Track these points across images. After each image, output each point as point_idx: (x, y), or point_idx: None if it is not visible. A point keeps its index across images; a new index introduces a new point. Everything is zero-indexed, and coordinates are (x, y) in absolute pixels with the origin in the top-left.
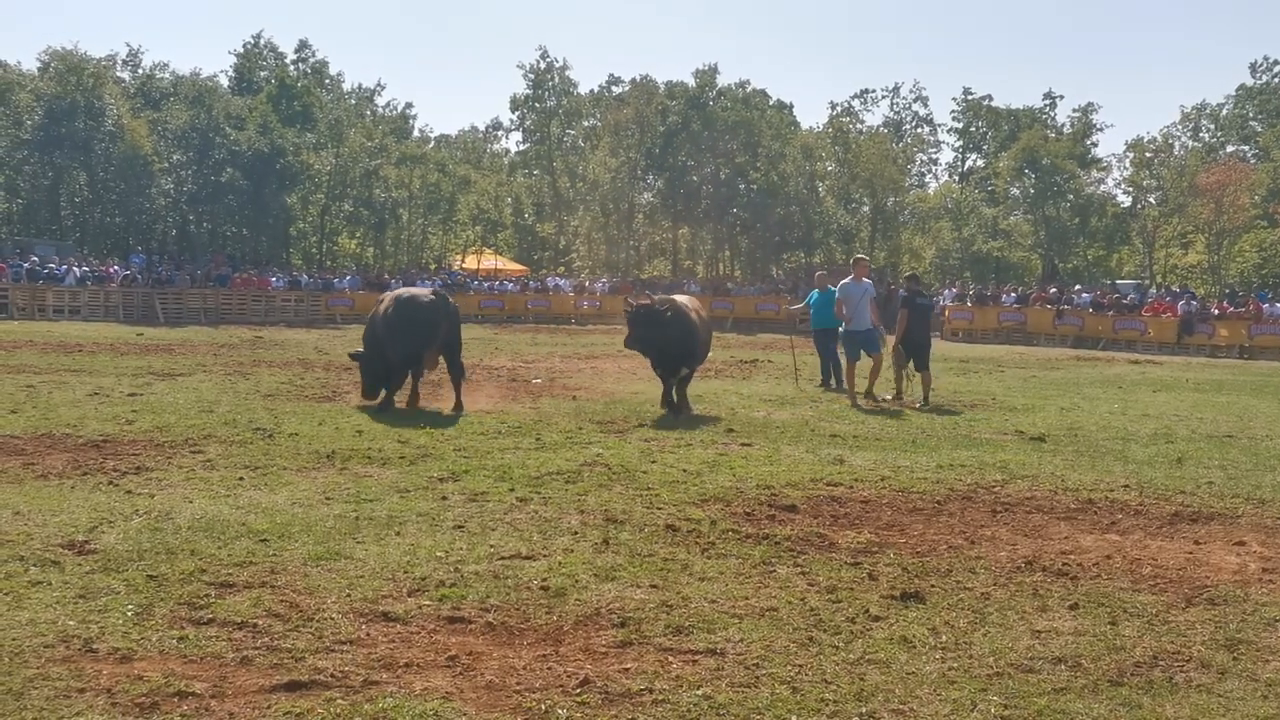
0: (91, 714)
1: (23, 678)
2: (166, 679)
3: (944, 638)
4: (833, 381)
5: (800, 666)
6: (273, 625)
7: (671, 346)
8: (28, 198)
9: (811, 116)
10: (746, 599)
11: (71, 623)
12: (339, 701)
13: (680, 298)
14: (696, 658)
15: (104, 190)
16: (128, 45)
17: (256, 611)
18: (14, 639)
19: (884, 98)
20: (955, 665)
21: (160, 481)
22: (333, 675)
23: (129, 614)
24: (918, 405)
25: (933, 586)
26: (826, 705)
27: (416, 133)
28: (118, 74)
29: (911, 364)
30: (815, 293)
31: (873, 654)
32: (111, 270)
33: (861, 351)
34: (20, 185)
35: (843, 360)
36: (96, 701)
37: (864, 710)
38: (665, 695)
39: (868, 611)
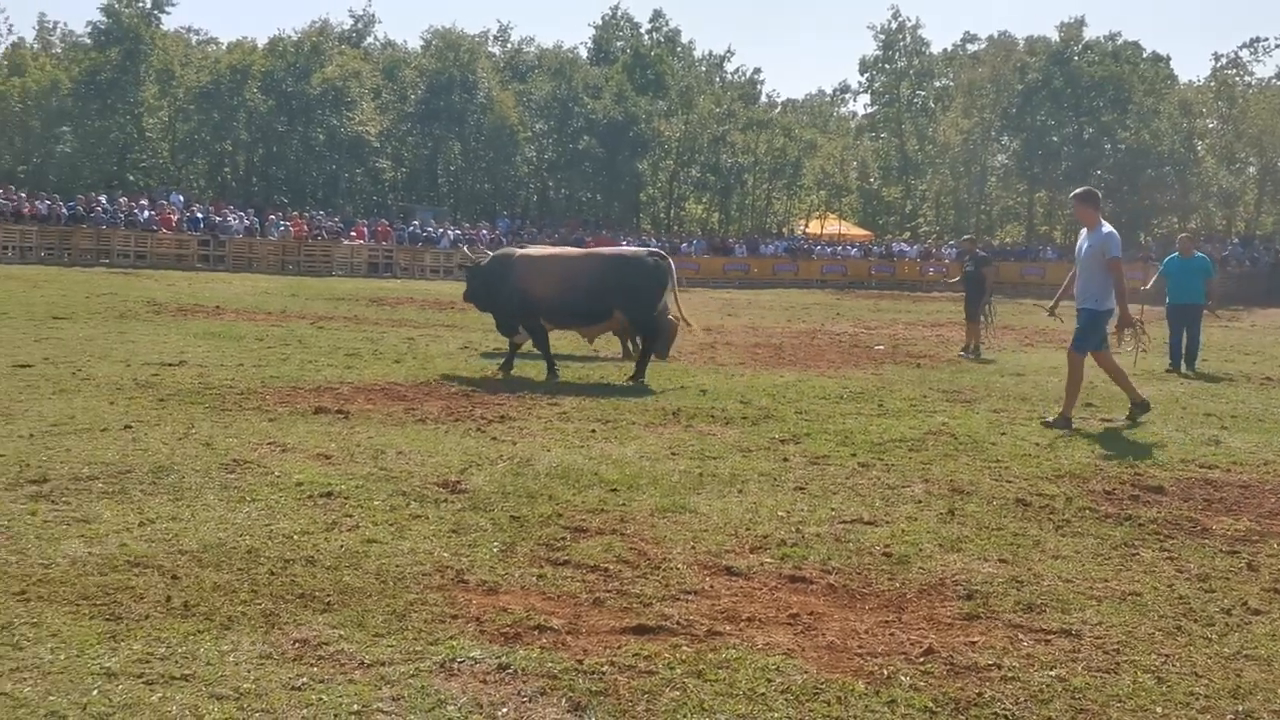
0: (463, 639)
1: (405, 601)
2: (528, 613)
3: None
4: (1183, 365)
5: (1167, 656)
6: (623, 570)
7: (503, 303)
8: (410, 166)
9: (1191, 70)
10: (1105, 581)
11: (445, 554)
12: (684, 648)
13: (544, 250)
14: (1049, 637)
15: (475, 159)
16: (498, 21)
17: (608, 556)
18: (397, 565)
19: (1277, 46)
20: None
21: (521, 430)
22: (678, 623)
23: (495, 550)
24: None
25: None
26: (1196, 699)
27: (764, 98)
28: (489, 49)
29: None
30: (1175, 256)
31: (1251, 649)
32: (480, 234)
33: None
34: (404, 155)
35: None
36: (467, 628)
37: (1240, 709)
38: (1015, 673)
39: (1246, 604)
